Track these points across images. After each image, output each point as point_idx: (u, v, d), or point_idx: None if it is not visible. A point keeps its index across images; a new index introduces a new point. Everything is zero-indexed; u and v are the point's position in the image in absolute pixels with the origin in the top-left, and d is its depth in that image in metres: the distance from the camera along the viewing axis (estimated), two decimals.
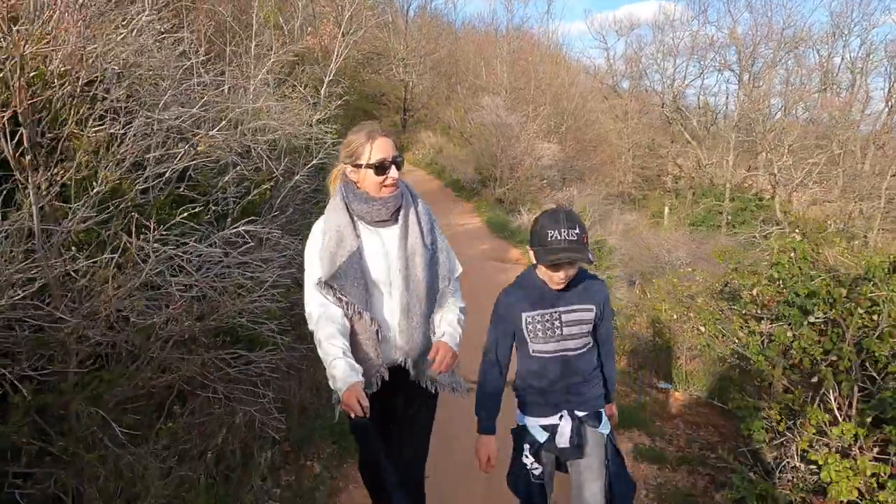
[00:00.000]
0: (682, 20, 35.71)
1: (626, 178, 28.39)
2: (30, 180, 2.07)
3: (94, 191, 2.29)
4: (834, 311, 2.68)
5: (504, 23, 28.69)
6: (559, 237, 1.96)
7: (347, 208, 2.06)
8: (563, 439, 2.13)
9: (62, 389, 2.05)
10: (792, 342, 2.78)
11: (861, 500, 2.10)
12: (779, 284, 3.28)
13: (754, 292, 3.43)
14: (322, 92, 5.32)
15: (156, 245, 2.44)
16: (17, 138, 2.12)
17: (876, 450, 2.51)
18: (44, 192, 2.08)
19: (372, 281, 2.05)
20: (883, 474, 2.32)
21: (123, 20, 3.08)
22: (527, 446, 2.19)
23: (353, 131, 2.10)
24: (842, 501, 2.19)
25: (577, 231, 1.97)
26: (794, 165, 20.80)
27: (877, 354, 2.52)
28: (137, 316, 2.28)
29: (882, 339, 2.56)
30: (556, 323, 2.10)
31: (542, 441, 2.17)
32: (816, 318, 2.80)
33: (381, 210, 2.05)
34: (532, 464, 2.20)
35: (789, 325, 2.87)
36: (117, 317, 2.27)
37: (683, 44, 28.94)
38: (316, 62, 6.43)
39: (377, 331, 2.04)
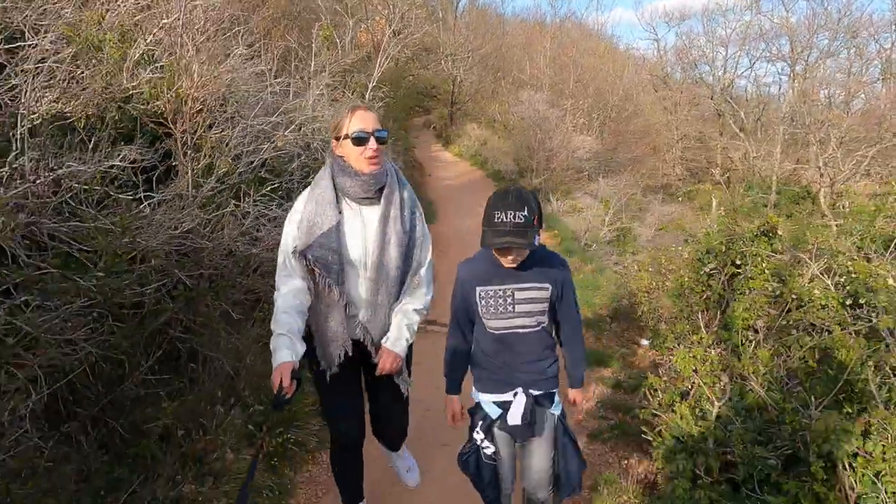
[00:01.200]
0: (735, 10, 35.31)
1: (673, 171, 28.71)
2: (182, 163, 3.48)
3: (215, 172, 3.70)
4: (717, 261, 3.78)
5: (549, 16, 29.33)
6: (505, 219, 1.95)
7: (333, 183, 2.14)
8: (515, 417, 2.15)
9: (200, 291, 3.46)
10: (685, 284, 3.91)
11: (695, 374, 3.22)
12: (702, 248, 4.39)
13: (685, 255, 4.53)
14: (367, 96, 6.67)
15: (249, 210, 3.83)
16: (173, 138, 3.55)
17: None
18: (190, 171, 3.49)
19: (347, 258, 2.11)
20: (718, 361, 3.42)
21: (227, 54, 4.50)
22: (479, 422, 2.25)
23: (339, 108, 2.26)
24: (688, 382, 3.32)
25: (524, 213, 1.95)
26: (843, 159, 20.76)
27: (739, 291, 3.62)
28: (240, 250, 3.68)
29: (745, 281, 3.65)
30: (509, 300, 2.12)
31: (493, 417, 2.22)
32: (711, 268, 3.91)
33: (364, 186, 2.11)
34: (482, 441, 2.24)
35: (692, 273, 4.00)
36: (229, 251, 3.67)
37: (735, 34, 28.84)
38: (363, 70, 7.78)
39: (346, 306, 2.13)
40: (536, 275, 2.12)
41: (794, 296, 3.37)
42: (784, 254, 3.55)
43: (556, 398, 2.26)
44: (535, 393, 2.19)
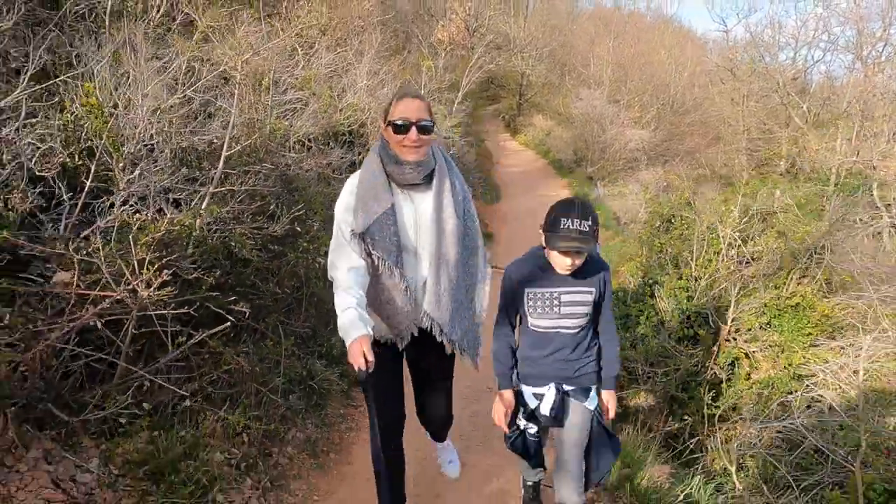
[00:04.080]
0: (804, 6, 35.64)
1: (736, 162, 30.06)
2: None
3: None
4: (661, 219, 6.54)
5: (619, 10, 31.14)
6: (571, 226, 2.07)
7: (383, 166, 2.14)
8: (545, 408, 2.35)
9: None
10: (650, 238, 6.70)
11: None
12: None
13: (656, 224, 7.28)
14: (454, 108, 9.56)
15: None
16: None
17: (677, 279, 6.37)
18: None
19: (402, 243, 2.12)
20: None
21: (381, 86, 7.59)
22: (521, 410, 2.44)
23: (391, 92, 2.76)
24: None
25: (588, 223, 2.08)
26: None
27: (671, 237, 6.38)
28: None
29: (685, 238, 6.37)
30: (556, 302, 2.25)
31: (532, 407, 2.41)
32: (657, 224, 6.65)
33: (411, 173, 2.11)
34: (527, 424, 2.45)
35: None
36: None
37: (806, 27, 29.71)
38: (454, 90, 10.71)
39: (406, 288, 2.15)
40: (583, 279, 2.24)
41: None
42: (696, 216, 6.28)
43: (593, 393, 2.39)
44: (569, 388, 2.35)
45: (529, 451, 2.49)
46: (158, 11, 5.94)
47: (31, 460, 2.38)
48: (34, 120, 3.03)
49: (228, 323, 2.86)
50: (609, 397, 2.43)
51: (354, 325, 1.91)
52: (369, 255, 2.08)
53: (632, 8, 40.02)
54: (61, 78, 3.22)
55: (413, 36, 16.83)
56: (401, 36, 15.37)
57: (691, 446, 4.36)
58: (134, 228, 2.71)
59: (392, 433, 2.44)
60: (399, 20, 15.70)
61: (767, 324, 4.98)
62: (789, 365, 4.50)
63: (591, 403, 2.38)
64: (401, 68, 9.01)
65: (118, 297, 2.42)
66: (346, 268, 2.06)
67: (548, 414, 2.33)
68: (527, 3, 28.64)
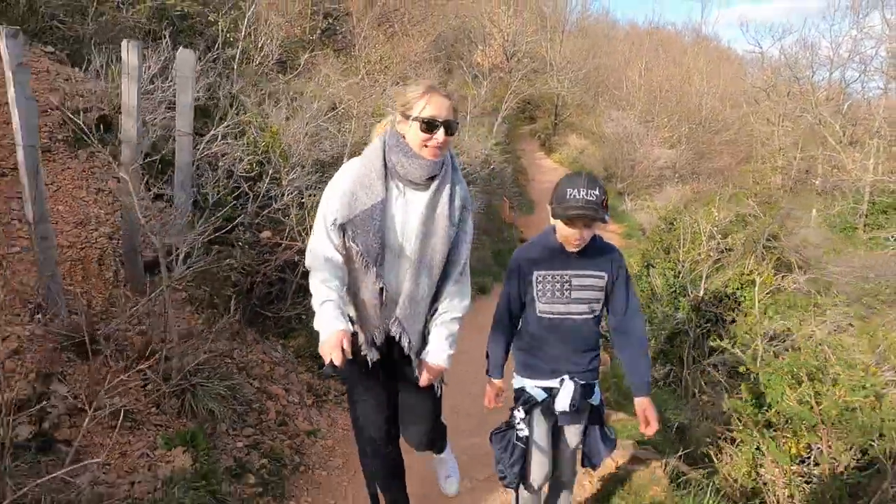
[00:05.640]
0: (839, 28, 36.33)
1: (772, 181, 30.94)
2: None
3: None
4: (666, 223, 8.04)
5: (648, 36, 32.60)
6: (577, 195, 2.05)
7: (385, 159, 2.04)
8: (563, 404, 2.24)
9: None
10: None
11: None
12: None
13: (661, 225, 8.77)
14: (494, 130, 11.26)
15: None
16: None
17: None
18: None
19: (387, 240, 2.02)
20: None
21: None
22: (521, 405, 2.33)
23: (413, 83, 2.12)
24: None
25: (596, 192, 2.06)
26: None
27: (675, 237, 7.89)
28: None
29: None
30: (566, 286, 2.21)
31: (538, 400, 2.30)
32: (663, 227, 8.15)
33: (419, 171, 2.00)
34: (519, 422, 2.33)
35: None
36: None
37: (839, 49, 30.63)
38: (495, 112, 12.41)
39: (381, 289, 2.04)
40: (594, 262, 2.21)
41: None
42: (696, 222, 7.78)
43: (597, 388, 2.36)
44: (581, 382, 2.26)
45: (510, 454, 2.35)
46: (270, 58, 7.82)
47: (251, 342, 4.12)
48: (229, 141, 4.84)
49: None
50: (648, 405, 2.23)
51: (335, 318, 1.87)
52: (347, 249, 2.00)
53: (669, 27, 41.38)
54: (246, 116, 5.03)
55: (454, 59, 18.64)
56: (442, 61, 17.18)
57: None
58: (295, 209, 4.45)
59: (381, 443, 2.31)
60: (440, 47, 17.50)
61: (734, 293, 6.41)
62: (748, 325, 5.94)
63: (595, 399, 2.35)
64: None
65: (299, 247, 4.14)
66: (324, 257, 2.00)
67: (567, 409, 2.24)
68: (563, 26, 30.16)
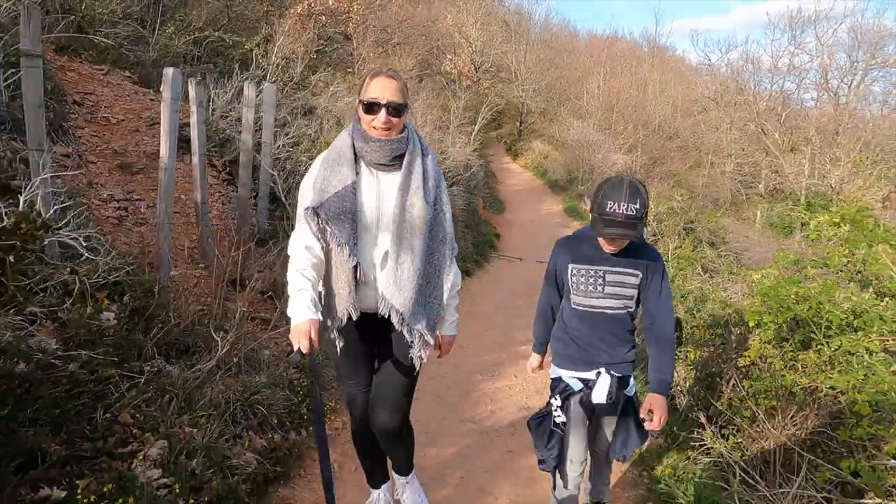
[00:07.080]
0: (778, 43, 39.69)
1: (721, 184, 33.80)
2: None
3: None
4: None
5: (606, 48, 35.13)
6: (618, 210, 2.06)
7: (353, 144, 2.13)
8: (600, 395, 2.29)
9: None
10: None
11: None
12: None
13: None
14: (471, 138, 13.12)
15: None
16: None
17: None
18: None
19: (362, 220, 2.09)
20: None
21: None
22: (557, 394, 2.41)
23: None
24: None
25: (636, 206, 2.06)
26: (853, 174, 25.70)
27: None
28: None
29: None
30: (600, 281, 2.26)
31: (575, 390, 2.38)
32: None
33: (378, 152, 2.07)
34: (556, 409, 2.41)
35: None
36: None
37: (781, 62, 33.79)
38: (472, 123, 14.24)
39: (355, 267, 2.10)
40: (629, 261, 2.24)
41: None
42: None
43: (632, 381, 2.41)
44: (618, 375, 2.32)
45: (547, 439, 2.43)
46: (293, 77, 9.52)
47: None
48: (289, 149, 6.57)
49: None
50: (660, 402, 2.26)
51: (307, 307, 1.92)
52: (322, 231, 2.07)
53: (627, 38, 44.14)
54: (303, 129, 6.77)
55: (426, 66, 20.39)
56: (425, 79, 18.95)
57: None
58: None
59: (366, 420, 2.46)
60: (413, 54, 19.24)
61: (667, 260, 8.42)
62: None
63: (630, 391, 2.40)
64: (426, 104, 12.58)
65: None
66: (303, 245, 2.07)
67: (605, 401, 2.28)
68: (528, 36, 32.19)
